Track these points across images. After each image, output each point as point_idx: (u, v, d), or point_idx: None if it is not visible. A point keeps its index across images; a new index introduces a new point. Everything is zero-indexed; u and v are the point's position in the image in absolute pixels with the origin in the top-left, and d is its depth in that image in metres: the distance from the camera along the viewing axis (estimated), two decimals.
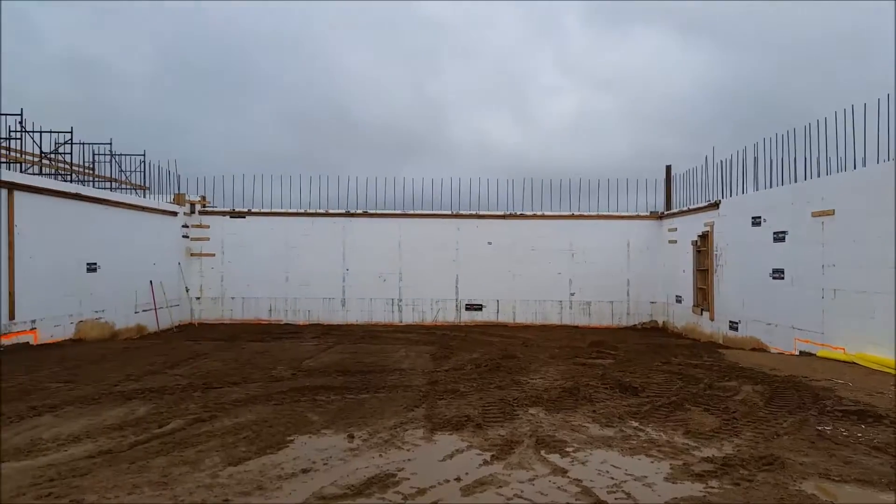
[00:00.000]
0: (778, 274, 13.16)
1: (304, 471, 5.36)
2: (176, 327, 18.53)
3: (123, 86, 45.15)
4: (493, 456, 5.75)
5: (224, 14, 49.28)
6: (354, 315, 19.94)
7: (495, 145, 46.14)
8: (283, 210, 20.19)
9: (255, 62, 49.17)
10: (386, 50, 51.49)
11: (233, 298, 20.03)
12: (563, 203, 19.98)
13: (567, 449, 5.99)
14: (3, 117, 14.40)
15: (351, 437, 6.38)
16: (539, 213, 20.00)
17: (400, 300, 19.93)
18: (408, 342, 14.64)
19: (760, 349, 13.46)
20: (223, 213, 20.13)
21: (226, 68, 48.66)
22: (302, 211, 20.20)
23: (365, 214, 20.11)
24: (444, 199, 19.96)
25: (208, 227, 20.05)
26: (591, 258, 19.82)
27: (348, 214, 20.13)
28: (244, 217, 20.12)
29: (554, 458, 5.72)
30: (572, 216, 19.93)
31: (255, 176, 20.32)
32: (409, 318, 19.91)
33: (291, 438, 6.31)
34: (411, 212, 20.12)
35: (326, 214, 20.16)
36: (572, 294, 19.81)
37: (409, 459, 5.70)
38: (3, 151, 14.50)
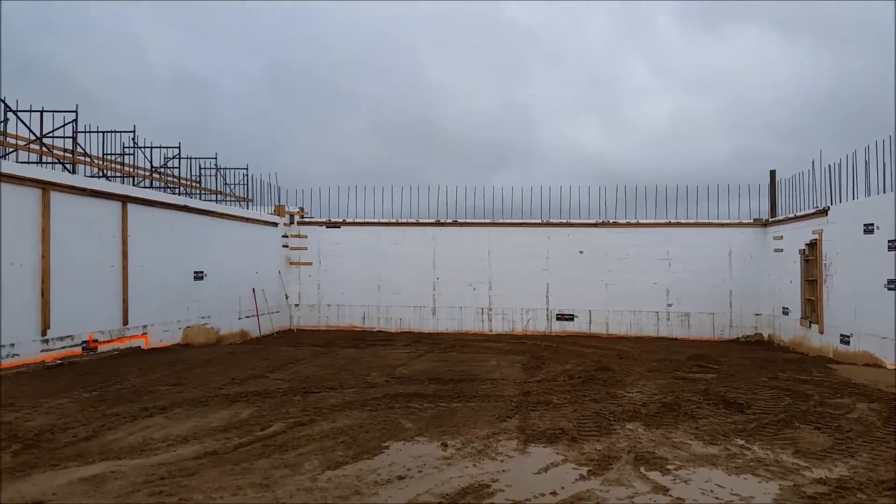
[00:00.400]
0: (893, 285, 12.27)
1: (400, 477, 5.42)
2: (276, 333, 19.23)
3: (226, 103, 47.49)
4: (589, 471, 5.62)
5: (317, 30, 51.05)
6: (445, 323, 20.06)
7: (586, 151, 45.44)
8: (375, 220, 20.63)
9: (347, 77, 50.60)
10: (473, 59, 51.79)
11: (329, 306, 20.59)
12: (658, 210, 19.42)
13: (668, 466, 5.78)
14: (119, 134, 15.40)
15: (444, 445, 6.40)
16: (633, 220, 19.52)
17: (490, 309, 19.91)
18: (498, 351, 14.59)
19: (875, 364, 12.58)
20: (320, 224, 20.77)
21: (320, 84, 50.31)
22: (393, 221, 20.57)
23: (455, 223, 20.25)
24: (534, 207, 19.83)
25: (306, 237, 20.73)
26: (690, 267, 19.14)
27: (438, 224, 20.31)
28: (339, 227, 20.68)
29: (654, 475, 5.54)
30: (669, 224, 19.33)
31: (349, 187, 20.89)
32: (499, 327, 19.85)
33: (387, 445, 6.40)
34: (501, 220, 20.09)
35: (417, 224, 20.43)
36: (669, 305, 19.18)
37: (503, 470, 5.66)
38: (117, 166, 15.52)
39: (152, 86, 44.87)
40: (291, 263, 20.74)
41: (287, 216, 20.70)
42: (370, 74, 50.61)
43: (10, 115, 12.04)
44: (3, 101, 11.71)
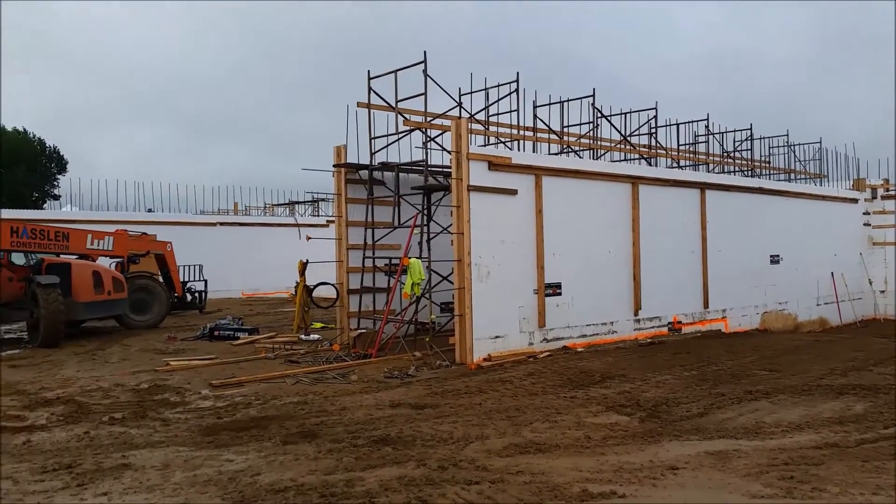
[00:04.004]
0: None
1: None
2: (859, 322, 17.34)
3: (773, 72, 44.89)
4: None
5: None
6: None
7: None
8: None
9: None
10: None
11: None
12: None
13: None
14: (692, 124, 15.92)
15: None
16: None
17: None
18: None
19: None
20: None
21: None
22: None
23: None
24: None
25: (893, 212, 18.08)
26: None
27: None
28: None
29: None
30: None
31: None
32: None
33: None
34: None
35: None
36: None
37: None
38: (690, 154, 16.14)
39: (683, 65, 45.44)
40: (875, 244, 18.42)
41: (868, 190, 18.51)
42: None
43: (601, 120, 13.73)
44: (599, 110, 13.42)
